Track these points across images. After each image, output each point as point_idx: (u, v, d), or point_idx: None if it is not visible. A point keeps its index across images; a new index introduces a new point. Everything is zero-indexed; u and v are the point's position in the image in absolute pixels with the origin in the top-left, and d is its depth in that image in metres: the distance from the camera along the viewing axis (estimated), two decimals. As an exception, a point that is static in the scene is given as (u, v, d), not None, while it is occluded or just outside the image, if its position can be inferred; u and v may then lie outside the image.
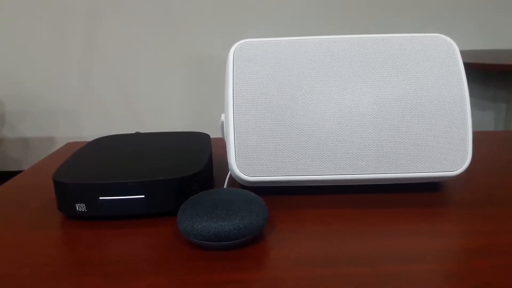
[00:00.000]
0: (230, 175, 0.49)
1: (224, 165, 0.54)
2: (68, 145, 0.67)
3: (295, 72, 0.42)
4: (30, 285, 0.30)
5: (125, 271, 0.32)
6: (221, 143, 0.64)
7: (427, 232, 0.36)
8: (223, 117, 0.45)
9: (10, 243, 0.36)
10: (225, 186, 0.46)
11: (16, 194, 0.47)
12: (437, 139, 0.41)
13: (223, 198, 0.36)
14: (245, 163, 0.41)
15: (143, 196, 0.38)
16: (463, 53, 1.94)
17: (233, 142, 0.41)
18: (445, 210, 0.40)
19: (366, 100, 0.42)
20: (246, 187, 0.45)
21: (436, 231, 0.36)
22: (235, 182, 0.47)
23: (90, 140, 0.55)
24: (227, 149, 0.42)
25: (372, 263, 0.32)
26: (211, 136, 0.56)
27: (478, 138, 0.64)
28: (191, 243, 0.35)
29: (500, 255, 0.33)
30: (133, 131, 2.18)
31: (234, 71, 0.43)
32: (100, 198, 0.38)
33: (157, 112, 2.19)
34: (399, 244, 0.34)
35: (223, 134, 0.46)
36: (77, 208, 0.39)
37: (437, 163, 0.41)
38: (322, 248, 0.34)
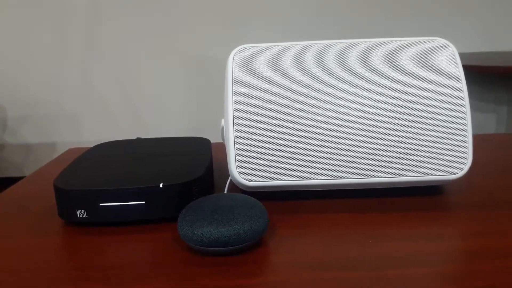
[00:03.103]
0: (231, 180, 0.49)
1: (225, 170, 0.54)
2: (70, 150, 0.67)
3: (295, 77, 0.43)
4: (31, 291, 0.30)
5: (126, 277, 0.32)
6: (222, 147, 0.64)
7: (429, 236, 0.36)
8: (223, 122, 0.45)
9: (11, 249, 0.36)
10: (225, 191, 0.47)
11: (17, 200, 0.47)
12: (437, 143, 0.41)
13: (223, 204, 0.36)
14: (245, 168, 0.41)
15: (144, 202, 0.38)
16: (463, 55, 1.94)
17: (233, 147, 0.41)
18: (446, 213, 0.40)
19: (366, 104, 0.42)
20: (246, 192, 0.45)
21: (438, 234, 0.36)
22: (236, 187, 0.47)
23: (92, 144, 0.55)
24: (227, 154, 0.42)
25: (374, 267, 0.32)
26: (212, 140, 0.56)
27: (479, 141, 0.64)
28: (191, 249, 0.35)
29: (503, 257, 0.32)
30: (134, 135, 2.18)
31: (233, 76, 0.43)
32: (101, 204, 0.38)
33: (158, 115, 2.19)
34: (400, 248, 0.34)
35: (223, 139, 0.46)
36: (78, 214, 0.39)
37: (437, 167, 0.41)
38: (322, 253, 0.34)
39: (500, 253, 0.33)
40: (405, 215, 0.40)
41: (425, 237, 0.36)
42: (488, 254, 0.33)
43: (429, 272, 0.31)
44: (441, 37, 0.44)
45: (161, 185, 0.38)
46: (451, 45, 0.44)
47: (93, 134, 2.21)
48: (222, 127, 0.45)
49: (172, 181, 0.39)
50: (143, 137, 0.58)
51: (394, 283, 0.30)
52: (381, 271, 0.31)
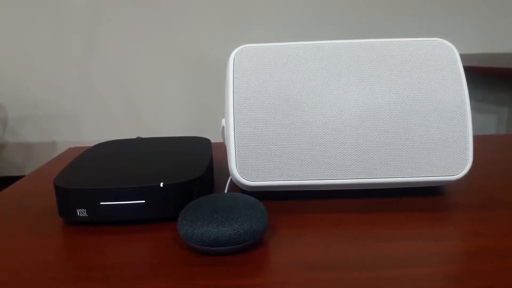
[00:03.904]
0: (231, 179, 0.49)
1: (225, 169, 0.54)
2: (70, 150, 0.67)
3: (295, 77, 0.43)
4: (30, 291, 0.30)
5: (125, 276, 0.32)
6: (222, 147, 0.64)
7: (429, 236, 0.36)
8: (223, 122, 0.45)
9: (11, 248, 0.36)
10: (225, 191, 0.47)
11: (17, 199, 0.47)
12: (438, 143, 0.41)
13: (223, 203, 0.36)
14: (246, 168, 0.41)
15: (144, 201, 0.38)
16: (465, 56, 1.94)
17: (234, 147, 0.41)
18: (446, 213, 0.40)
19: (366, 105, 0.42)
20: (246, 192, 0.45)
21: (438, 234, 0.36)
22: (236, 187, 0.47)
23: (92, 143, 0.55)
24: (227, 154, 0.42)
25: (374, 267, 0.32)
26: (212, 140, 0.56)
27: (480, 141, 0.64)
28: (191, 248, 0.35)
29: (503, 257, 0.32)
30: (135, 134, 2.18)
31: (234, 76, 0.43)
32: (101, 203, 0.38)
33: (158, 115, 2.19)
34: (400, 248, 0.34)
35: (223, 138, 0.46)
36: (78, 213, 0.39)
37: (437, 168, 0.41)
38: (323, 253, 0.34)
39: (500, 253, 0.33)
40: (406, 215, 0.40)
41: (425, 237, 0.36)
42: (488, 254, 0.33)
43: (429, 272, 0.31)
44: (441, 37, 0.44)
45: (161, 185, 0.38)
46: (452, 45, 0.44)
47: (93, 134, 2.21)
48: (223, 127, 0.45)
49: (172, 181, 0.39)
50: (143, 136, 0.58)
51: (394, 283, 0.30)
52: (381, 271, 0.31)
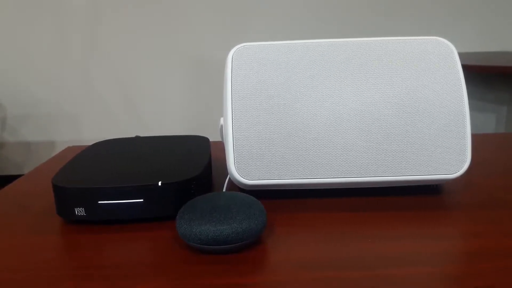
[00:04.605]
0: (229, 178, 0.49)
1: (224, 168, 0.54)
2: (69, 149, 0.67)
3: (294, 75, 0.42)
4: (28, 290, 0.30)
5: (124, 275, 0.31)
6: (221, 146, 0.64)
7: (429, 235, 0.36)
8: (222, 120, 0.45)
9: (9, 247, 0.36)
10: (224, 190, 0.46)
11: (15, 198, 0.47)
12: (436, 142, 0.41)
13: (222, 202, 0.36)
14: (244, 167, 0.41)
15: (142, 200, 0.38)
16: (463, 55, 1.93)
17: (232, 146, 0.41)
18: (445, 213, 0.40)
19: (364, 103, 0.42)
20: (245, 191, 0.45)
21: (437, 234, 0.36)
22: (234, 186, 0.47)
23: (91, 143, 0.55)
24: (226, 153, 0.42)
25: (373, 266, 0.32)
26: (211, 139, 0.56)
27: (479, 140, 0.64)
28: (190, 247, 0.35)
29: (502, 257, 0.32)
30: (134, 134, 2.18)
31: (232, 75, 0.43)
32: (99, 202, 0.38)
33: (158, 115, 2.19)
34: (399, 247, 0.34)
35: (222, 137, 0.46)
36: (76, 212, 0.39)
37: (436, 166, 0.41)
38: (321, 252, 0.34)
39: (500, 253, 0.33)
40: (405, 214, 0.40)
41: (425, 236, 0.36)
42: (488, 254, 0.33)
43: (429, 272, 0.31)
44: (440, 36, 0.44)
45: (159, 183, 0.38)
46: (450, 44, 0.44)
47: (93, 134, 2.21)
48: (221, 126, 0.45)
49: (170, 179, 0.39)
50: (142, 136, 0.58)
51: (393, 282, 0.30)
52: (380, 271, 0.31)
